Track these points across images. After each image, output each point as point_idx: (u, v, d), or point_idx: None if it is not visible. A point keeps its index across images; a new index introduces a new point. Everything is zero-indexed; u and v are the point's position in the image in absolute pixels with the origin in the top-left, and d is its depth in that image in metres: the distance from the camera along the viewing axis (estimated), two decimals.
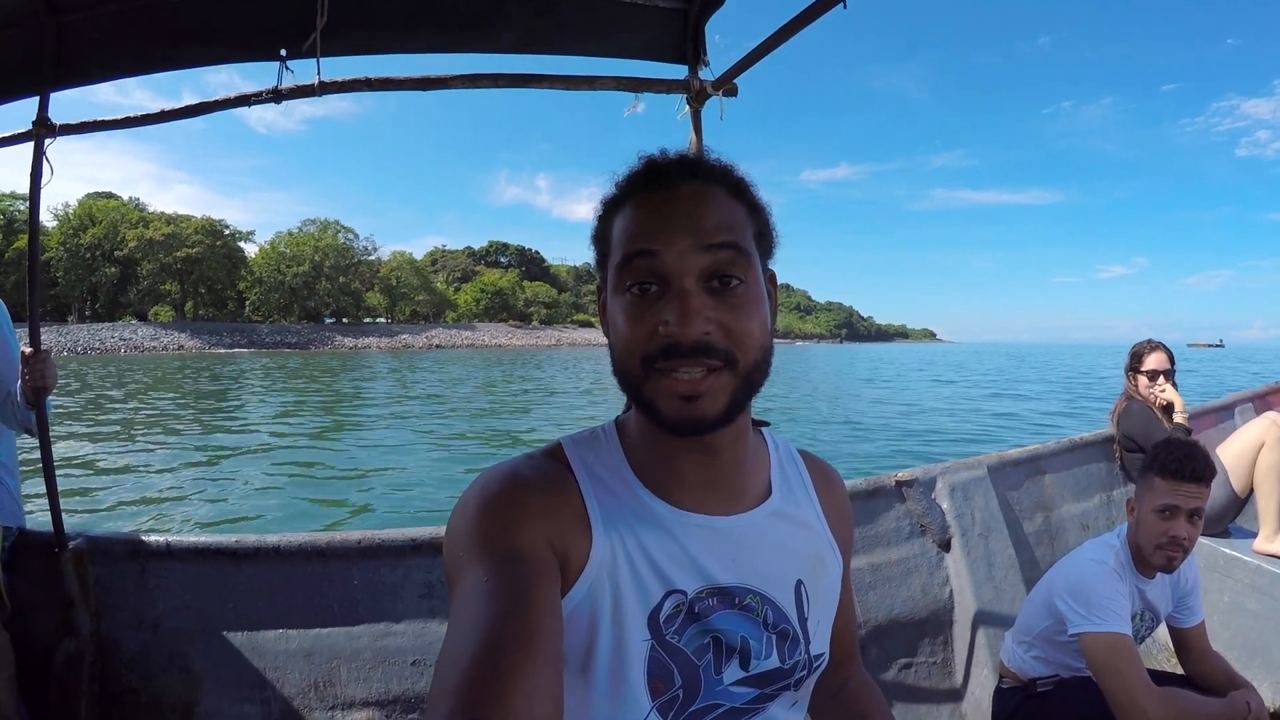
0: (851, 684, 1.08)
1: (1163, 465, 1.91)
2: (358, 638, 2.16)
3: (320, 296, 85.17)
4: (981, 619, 2.68)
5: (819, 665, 0.89)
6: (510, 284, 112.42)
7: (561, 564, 0.75)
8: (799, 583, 0.87)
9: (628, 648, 0.77)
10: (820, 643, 0.89)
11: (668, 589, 0.79)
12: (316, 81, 1.88)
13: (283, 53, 1.89)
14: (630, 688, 0.77)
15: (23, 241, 64.72)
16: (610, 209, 0.82)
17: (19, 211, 68.84)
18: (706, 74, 2.08)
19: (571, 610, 0.76)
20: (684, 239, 0.74)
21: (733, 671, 0.82)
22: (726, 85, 2.04)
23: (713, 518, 0.83)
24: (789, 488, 0.92)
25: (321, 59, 1.87)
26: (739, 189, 0.80)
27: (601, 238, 0.82)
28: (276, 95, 1.90)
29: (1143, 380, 3.64)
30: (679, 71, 2.12)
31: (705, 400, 0.73)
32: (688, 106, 2.09)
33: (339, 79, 1.91)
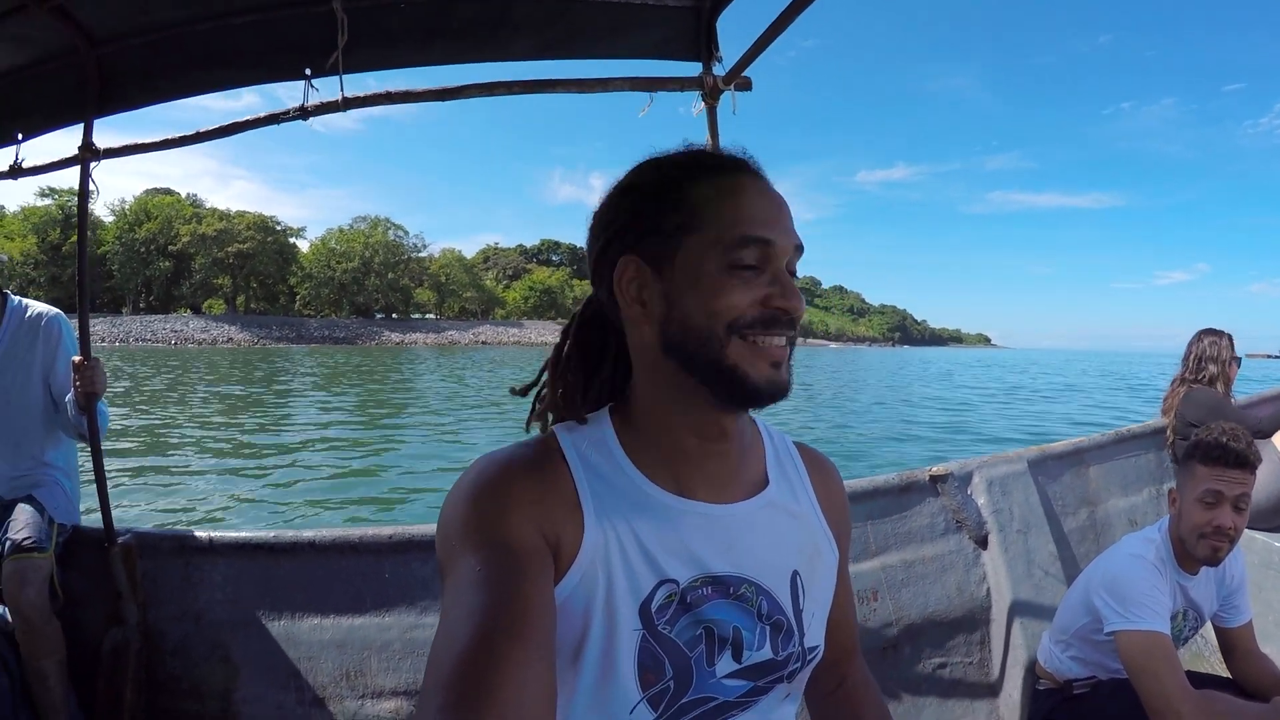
0: (849, 682, 1.06)
1: (1205, 451, 1.83)
2: (388, 629, 2.24)
3: (369, 292, 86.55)
4: (1020, 618, 2.61)
5: (813, 658, 0.88)
6: (559, 282, 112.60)
7: (554, 552, 0.75)
8: (794, 574, 0.87)
9: (618, 638, 0.77)
10: (815, 635, 0.88)
11: (660, 578, 0.79)
12: (340, 97, 1.95)
13: (307, 71, 1.97)
14: (619, 678, 0.77)
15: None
16: (680, 181, 0.81)
17: (76, 206, 71.32)
18: (719, 69, 2.07)
19: (565, 599, 0.76)
20: (790, 234, 0.80)
21: (725, 663, 0.81)
22: (739, 79, 2.03)
23: (708, 505, 0.83)
24: (785, 478, 0.92)
25: (344, 75, 1.94)
26: None
27: (661, 212, 0.80)
28: (304, 113, 1.98)
29: (1235, 368, 3.59)
30: (692, 69, 2.12)
31: (786, 367, 0.79)
32: (702, 103, 2.09)
33: (361, 94, 1.98)
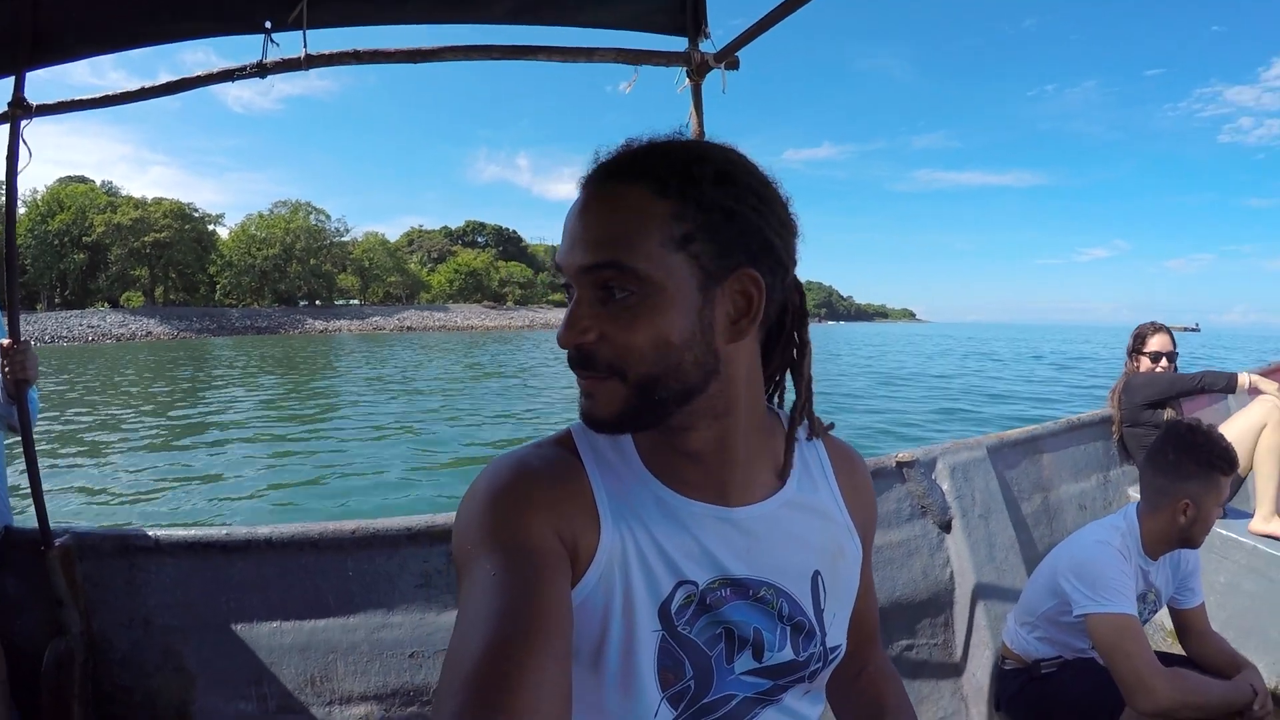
0: (870, 669, 1.05)
1: (1227, 463, 1.91)
2: (354, 630, 2.13)
3: (291, 279, 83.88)
4: (983, 600, 2.68)
5: (835, 658, 0.87)
6: (485, 264, 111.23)
7: (571, 555, 0.74)
8: (816, 574, 0.85)
9: (638, 639, 0.76)
10: (837, 635, 0.87)
11: (678, 579, 0.78)
12: (303, 54, 1.81)
13: (267, 25, 1.81)
14: (640, 679, 0.76)
15: None
16: None
17: None
18: (707, 46, 2.02)
19: (582, 602, 0.75)
20: (571, 252, 0.73)
21: (745, 662, 0.81)
22: (729, 58, 1.98)
23: (725, 508, 0.81)
24: (807, 474, 0.89)
25: (308, 31, 1.80)
26: (676, 183, 0.71)
27: None
28: (261, 69, 1.82)
29: (1145, 362, 3.70)
30: (679, 44, 2.06)
31: (598, 401, 0.75)
32: (688, 80, 2.03)
33: (326, 52, 1.84)
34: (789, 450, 0.87)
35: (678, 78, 2.04)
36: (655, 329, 0.71)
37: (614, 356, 0.72)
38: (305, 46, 1.81)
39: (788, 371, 0.88)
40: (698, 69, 2.00)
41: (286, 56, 1.83)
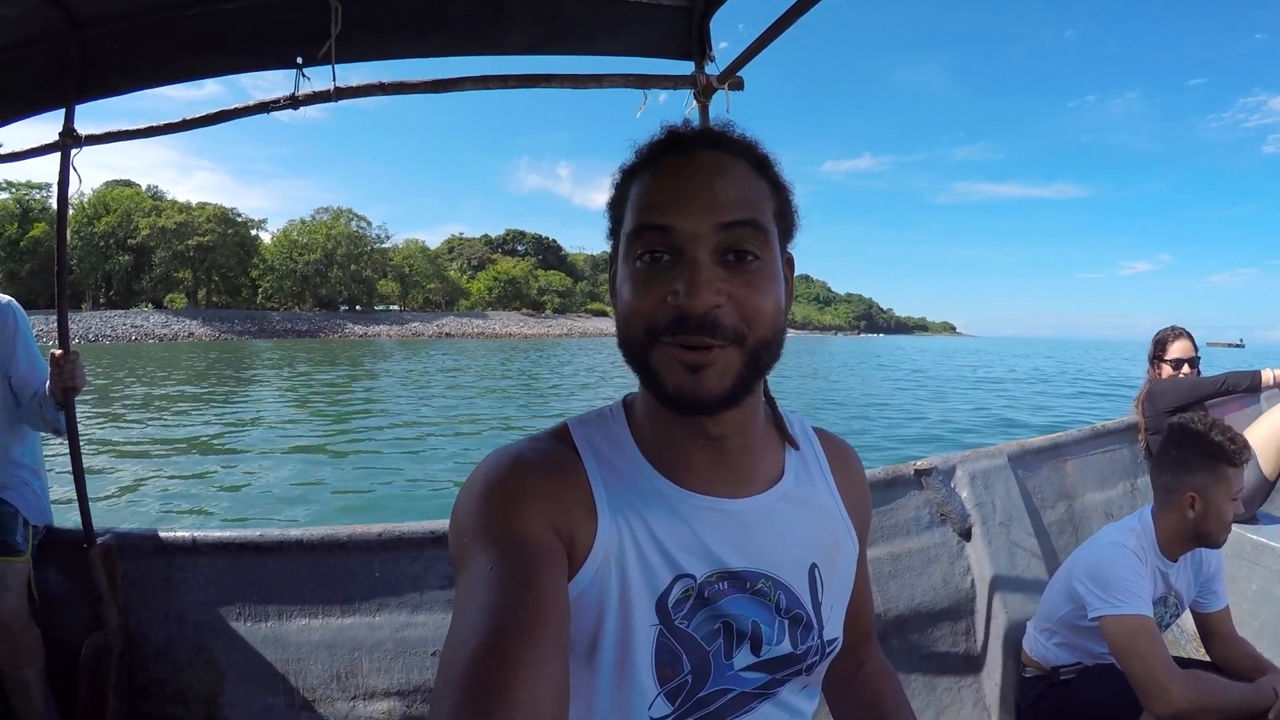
0: (867, 667, 1.05)
1: (1233, 455, 1.89)
2: (379, 629, 2.20)
3: (332, 284, 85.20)
4: (1003, 608, 2.65)
5: (832, 650, 0.87)
6: (524, 273, 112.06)
7: (567, 548, 0.74)
8: (813, 567, 0.86)
9: (635, 633, 0.76)
10: (834, 628, 0.87)
11: (676, 573, 0.78)
12: (332, 88, 1.91)
13: (299, 60, 1.92)
14: (637, 673, 0.76)
15: (37, 229, 65.06)
16: (628, 176, 0.80)
17: (33, 200, 69.43)
18: (712, 69, 2.08)
19: (578, 595, 0.75)
20: (701, 211, 0.71)
21: (743, 656, 0.81)
22: (731, 79, 2.04)
23: (723, 500, 0.81)
24: (804, 469, 0.90)
25: (336, 65, 1.90)
26: (762, 165, 0.78)
27: (616, 204, 0.81)
28: (294, 102, 1.93)
29: (1166, 369, 3.60)
30: (685, 68, 2.12)
31: (710, 373, 0.71)
32: (695, 102, 2.10)
33: (354, 84, 1.95)
34: (785, 443, 0.90)
35: (686, 101, 2.11)
36: (775, 295, 0.74)
37: (740, 321, 0.71)
38: (335, 79, 1.92)
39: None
40: (704, 91, 2.06)
41: (317, 89, 1.94)
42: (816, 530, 0.87)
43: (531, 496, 0.73)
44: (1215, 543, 1.92)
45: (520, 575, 0.66)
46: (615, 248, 0.81)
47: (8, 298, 2.30)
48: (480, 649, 0.59)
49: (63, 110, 2.06)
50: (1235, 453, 1.88)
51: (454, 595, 0.69)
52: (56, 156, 2.08)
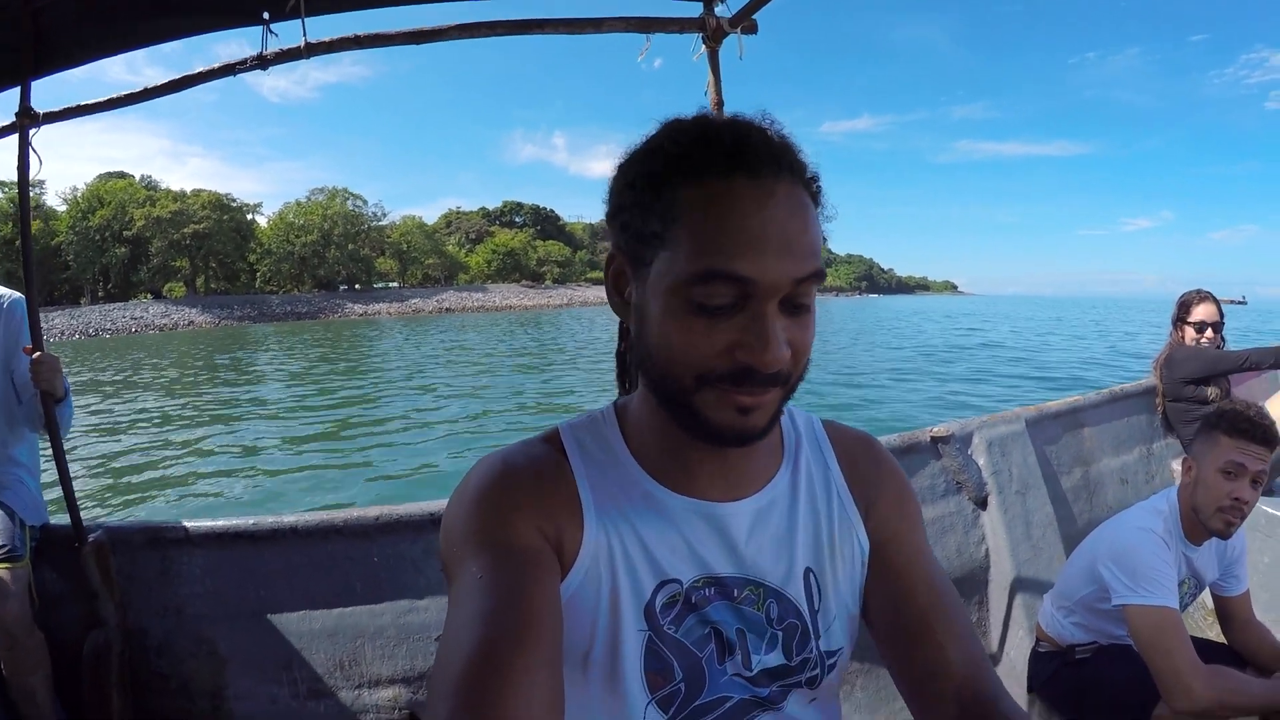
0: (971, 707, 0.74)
1: (1231, 423, 1.84)
2: (380, 615, 2.17)
3: (330, 265, 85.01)
4: (1019, 579, 2.63)
5: (834, 662, 0.81)
6: (522, 244, 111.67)
7: (557, 554, 0.73)
8: (808, 571, 0.80)
9: (624, 638, 0.74)
10: (835, 638, 0.81)
11: (661, 578, 0.76)
12: (303, 43, 1.79)
13: (265, 16, 1.79)
14: (627, 680, 0.74)
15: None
16: (663, 177, 0.67)
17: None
18: (723, 10, 1.95)
19: (568, 600, 0.73)
20: (778, 262, 0.63)
21: (735, 665, 0.77)
22: (745, 21, 1.90)
23: (711, 504, 0.77)
24: (802, 466, 0.84)
25: (306, 19, 1.77)
26: (813, 186, 0.69)
27: (642, 207, 0.68)
28: (262, 61, 1.81)
29: (1189, 331, 3.53)
30: (693, 10, 1.98)
31: (758, 414, 0.68)
32: (704, 47, 1.97)
33: (326, 39, 1.81)
34: (780, 439, 0.85)
35: (693, 45, 1.97)
36: (813, 333, 0.70)
37: (792, 365, 0.68)
38: (305, 35, 1.79)
39: None
40: (713, 34, 1.93)
41: (286, 46, 1.81)
42: (812, 531, 0.82)
43: (520, 503, 0.73)
44: (1210, 523, 1.85)
45: (511, 583, 0.66)
46: (632, 253, 0.71)
47: (16, 293, 2.22)
48: (471, 660, 0.59)
49: (18, 89, 1.94)
50: (1234, 422, 1.83)
51: (448, 603, 0.68)
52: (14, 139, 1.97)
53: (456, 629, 0.63)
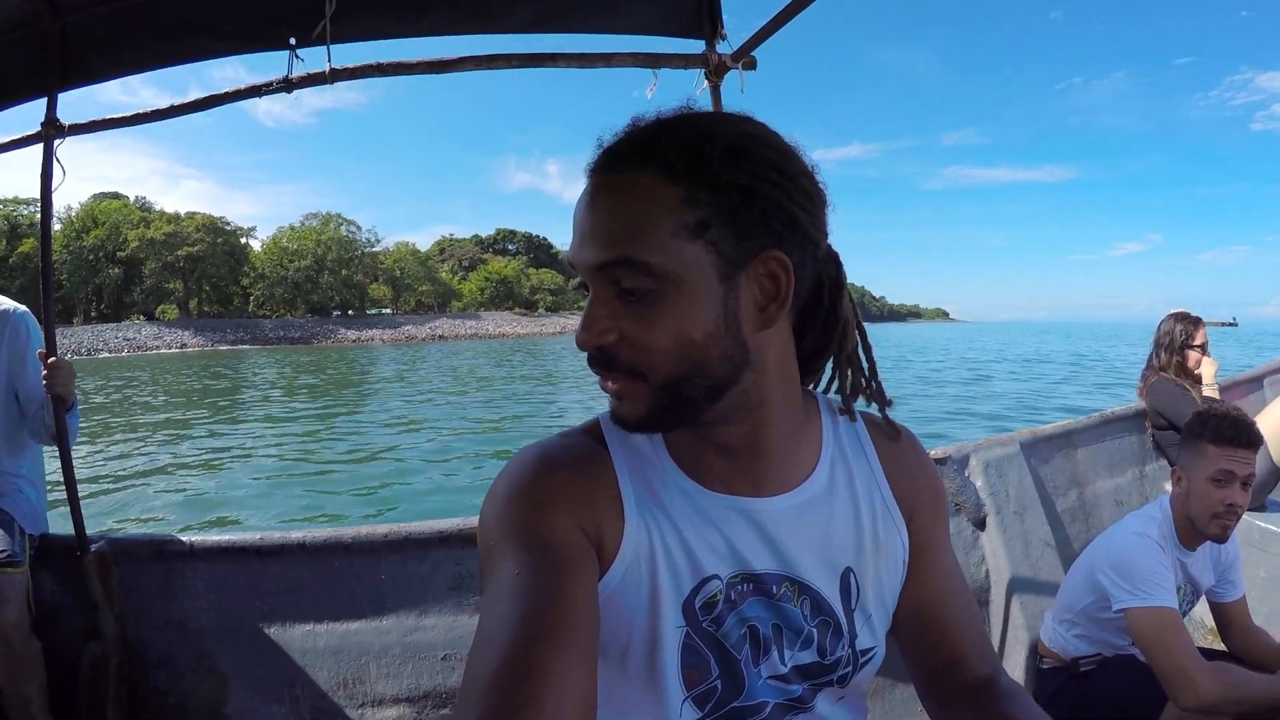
0: (981, 690, 0.82)
1: (1215, 431, 1.86)
2: (386, 633, 2.15)
3: (324, 290, 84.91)
4: (1019, 598, 2.63)
5: (866, 661, 0.81)
6: (515, 272, 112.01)
7: (596, 549, 0.72)
8: (847, 570, 0.80)
9: (663, 635, 0.74)
10: (870, 636, 0.81)
11: (701, 575, 0.75)
12: (328, 69, 1.84)
13: (292, 41, 1.85)
14: (665, 677, 0.74)
15: (26, 245, 64.74)
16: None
17: (22, 216, 69.26)
18: (724, 47, 2.02)
19: (607, 596, 0.72)
20: (581, 249, 0.69)
21: (771, 664, 0.77)
22: (745, 58, 1.98)
23: (748, 500, 0.76)
24: (844, 462, 0.82)
25: (331, 46, 1.83)
26: (685, 165, 0.66)
27: None
28: (287, 85, 1.86)
29: (1193, 355, 3.58)
30: (696, 46, 2.06)
31: (625, 402, 0.71)
32: (705, 81, 2.04)
33: (350, 65, 1.87)
34: (819, 436, 0.83)
35: (697, 80, 2.04)
36: (676, 326, 0.67)
37: (635, 358, 0.68)
38: (329, 61, 1.84)
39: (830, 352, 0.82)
40: (715, 70, 2.00)
41: (311, 71, 1.87)
42: (853, 529, 0.81)
43: (560, 498, 0.71)
44: (1207, 530, 1.87)
45: (548, 581, 0.64)
46: None
47: (23, 307, 2.24)
48: (506, 658, 0.58)
49: (45, 100, 1.98)
50: (1219, 430, 1.85)
51: (480, 600, 0.67)
52: (39, 149, 2.00)
53: (493, 628, 0.61)
